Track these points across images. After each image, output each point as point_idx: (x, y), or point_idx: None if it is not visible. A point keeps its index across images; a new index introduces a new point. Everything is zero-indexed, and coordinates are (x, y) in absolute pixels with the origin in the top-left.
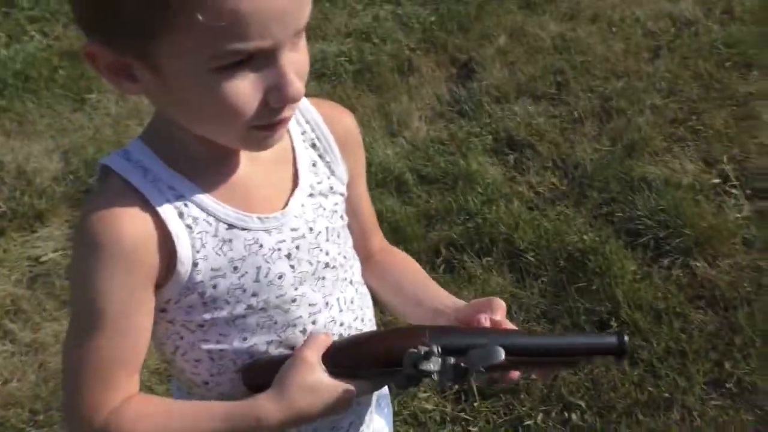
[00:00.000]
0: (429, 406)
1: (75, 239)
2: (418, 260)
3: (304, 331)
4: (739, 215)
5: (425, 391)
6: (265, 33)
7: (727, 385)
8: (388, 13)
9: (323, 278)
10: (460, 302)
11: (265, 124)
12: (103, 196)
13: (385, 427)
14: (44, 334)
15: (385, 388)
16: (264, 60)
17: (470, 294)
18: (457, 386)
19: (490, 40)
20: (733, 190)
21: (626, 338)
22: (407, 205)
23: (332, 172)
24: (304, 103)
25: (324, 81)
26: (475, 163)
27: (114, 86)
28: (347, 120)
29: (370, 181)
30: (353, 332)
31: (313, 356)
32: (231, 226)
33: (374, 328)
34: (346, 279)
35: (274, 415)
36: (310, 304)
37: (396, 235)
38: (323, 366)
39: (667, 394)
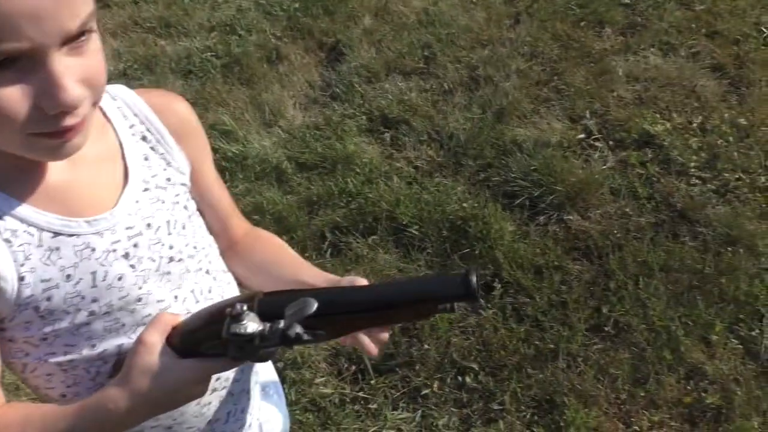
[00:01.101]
0: (327, 390)
1: None
2: (304, 247)
3: None
4: (604, 166)
5: (322, 376)
6: (18, 34)
7: (606, 329)
8: (250, 4)
9: (168, 273)
10: (333, 277)
11: (48, 132)
12: None
13: (277, 413)
14: None
15: (274, 374)
16: (30, 64)
17: (358, 274)
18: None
19: (356, 21)
20: (597, 143)
21: (473, 277)
22: (288, 194)
23: (168, 163)
24: (131, 95)
25: (191, 78)
26: (352, 144)
27: None
28: (179, 107)
29: (249, 174)
30: None
31: (152, 337)
32: (56, 234)
33: None
34: (200, 269)
35: (122, 403)
36: (158, 301)
37: (280, 225)
38: (167, 347)
39: (552, 346)
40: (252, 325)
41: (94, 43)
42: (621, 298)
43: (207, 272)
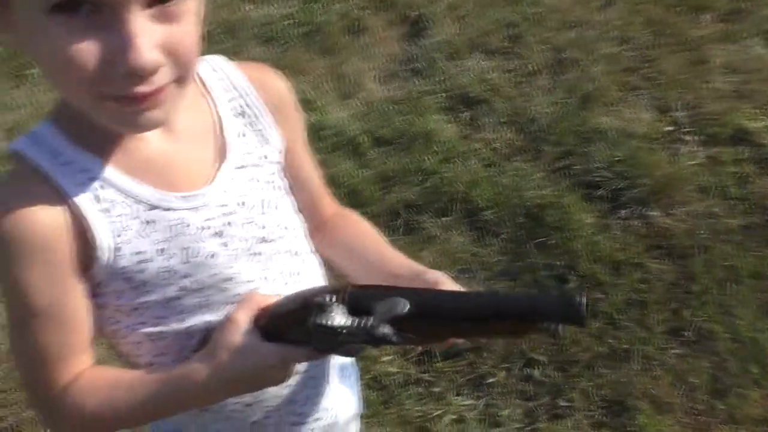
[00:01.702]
0: (392, 369)
1: None
2: (377, 224)
3: None
4: (693, 162)
5: (388, 355)
6: None
7: (686, 334)
8: None
9: (259, 253)
10: (418, 267)
11: (118, 96)
12: (10, 185)
13: (352, 396)
14: None
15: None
16: (110, 18)
17: (430, 255)
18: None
19: None
20: (687, 137)
21: (582, 300)
22: (363, 168)
23: (265, 140)
24: (232, 68)
25: (272, 45)
26: (431, 122)
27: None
28: (277, 83)
29: (326, 145)
30: None
31: (241, 315)
32: (152, 207)
33: None
34: (289, 251)
35: (204, 376)
36: (247, 281)
37: (353, 198)
38: (255, 328)
39: (626, 346)
40: (339, 318)
41: (188, 9)
42: (704, 303)
43: (296, 253)
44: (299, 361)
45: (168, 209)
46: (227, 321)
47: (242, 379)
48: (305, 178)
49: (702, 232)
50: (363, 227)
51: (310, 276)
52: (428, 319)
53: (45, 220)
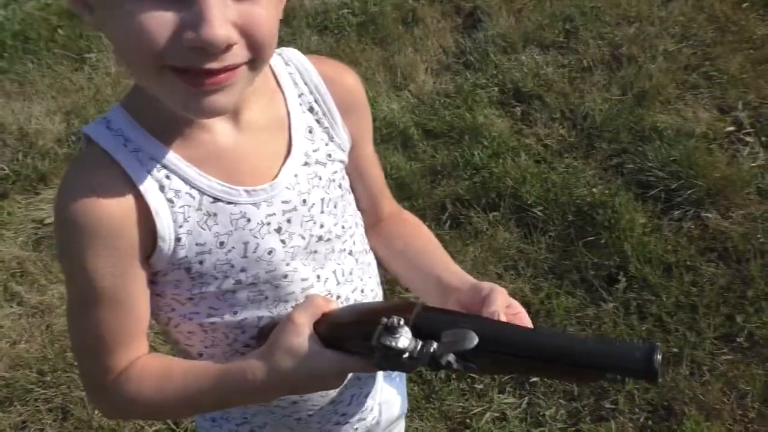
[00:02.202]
0: None
1: (55, 216)
2: (424, 217)
3: None
4: (753, 164)
5: None
6: None
7: (738, 339)
8: None
9: (315, 251)
10: (470, 279)
11: (183, 70)
12: (80, 169)
13: (397, 396)
14: (50, 296)
15: None
16: None
17: (476, 250)
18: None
19: None
20: (748, 138)
21: (658, 355)
22: (413, 160)
23: (330, 138)
24: (305, 62)
25: (326, 34)
26: (482, 116)
27: (80, 17)
28: (350, 80)
29: (375, 137)
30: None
31: (302, 318)
32: (216, 200)
33: (378, 298)
34: (344, 250)
35: (260, 375)
36: (302, 279)
37: (401, 191)
38: (314, 332)
39: (676, 349)
40: (404, 340)
41: None
42: (759, 309)
43: (350, 253)
44: (355, 372)
45: (231, 203)
46: (288, 322)
47: (297, 382)
48: (369, 176)
49: (759, 236)
50: (419, 231)
51: (363, 276)
52: (495, 354)
53: (111, 206)
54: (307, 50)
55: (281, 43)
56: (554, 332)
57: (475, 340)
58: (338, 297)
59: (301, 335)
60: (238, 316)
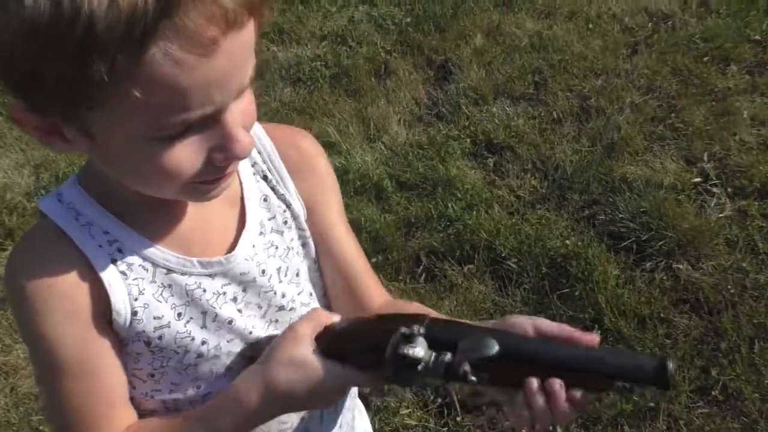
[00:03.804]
0: (411, 422)
1: (6, 290)
2: (398, 270)
3: None
4: (721, 215)
5: (407, 407)
6: (207, 100)
7: (713, 393)
8: (362, 15)
9: (276, 321)
10: None
11: (210, 180)
12: (29, 241)
13: (365, 414)
14: (15, 357)
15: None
16: (209, 121)
17: (451, 304)
18: (444, 393)
19: (467, 40)
20: (715, 189)
21: (670, 364)
22: (387, 212)
23: (288, 205)
24: (257, 130)
25: (300, 86)
26: (454, 167)
27: (44, 146)
28: (302, 142)
29: (348, 189)
30: None
31: (304, 329)
32: (170, 271)
33: None
34: None
35: (255, 395)
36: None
37: (376, 244)
38: (315, 344)
39: (652, 404)
40: (420, 350)
41: (251, 78)
42: (732, 361)
43: None
44: (359, 385)
45: (185, 274)
46: (289, 331)
47: (296, 397)
48: (334, 246)
49: (730, 287)
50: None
51: None
52: (514, 362)
53: (62, 275)
54: (280, 102)
55: (255, 95)
56: (567, 344)
57: (496, 347)
58: None
59: (303, 344)
60: (202, 390)
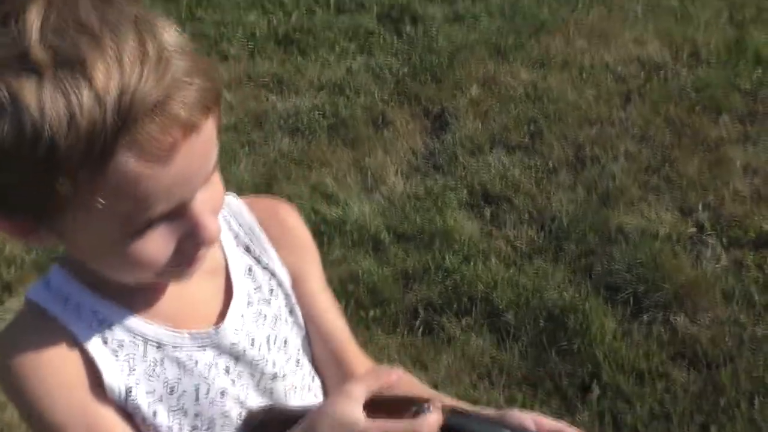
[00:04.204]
0: None
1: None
2: (396, 322)
3: None
4: (717, 266)
5: None
6: (174, 197)
7: None
8: (360, 65)
9: (270, 390)
10: None
11: (181, 264)
12: (16, 325)
13: None
14: (10, 415)
15: None
16: (175, 213)
17: (449, 358)
18: None
19: (463, 90)
20: (710, 240)
21: None
22: (384, 264)
23: (272, 274)
24: (237, 204)
25: (298, 136)
26: (452, 218)
27: (17, 241)
28: (284, 215)
29: (347, 241)
30: None
31: (360, 392)
32: (161, 346)
33: None
34: (303, 387)
35: None
36: None
37: (373, 296)
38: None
39: None
40: None
41: (216, 163)
42: (732, 417)
43: (309, 388)
44: None
45: (177, 347)
46: (343, 392)
47: None
48: (319, 316)
49: (728, 340)
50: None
51: None
52: None
53: (51, 350)
54: (279, 153)
55: (253, 145)
56: None
57: None
58: None
59: (357, 408)
60: None
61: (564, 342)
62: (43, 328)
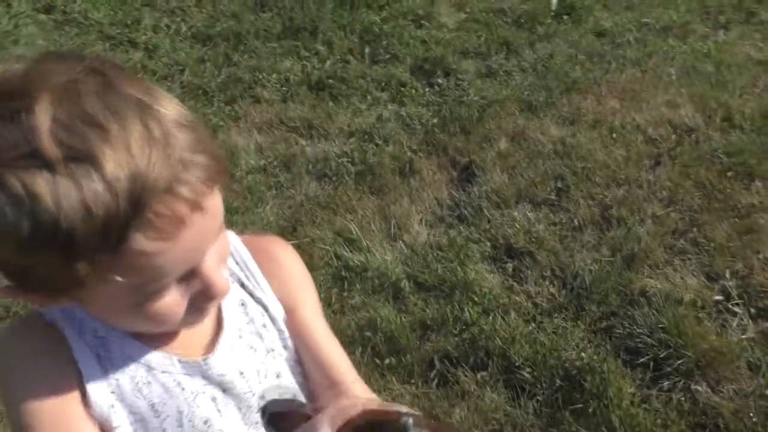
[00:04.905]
0: None
1: None
2: (411, 373)
3: None
4: (743, 336)
5: None
6: (185, 265)
7: None
8: (391, 114)
9: (256, 423)
10: None
11: (192, 314)
12: (19, 325)
13: None
14: None
15: None
16: (188, 274)
17: (462, 411)
18: None
19: (491, 143)
20: (737, 309)
21: None
22: (403, 313)
23: (265, 308)
24: (234, 241)
25: (325, 182)
26: (473, 271)
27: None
28: (279, 252)
29: (367, 287)
30: None
31: (327, 428)
32: (150, 369)
33: None
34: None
35: None
36: None
37: (390, 345)
38: None
39: None
40: None
41: (221, 212)
42: None
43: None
44: None
45: (165, 372)
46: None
47: None
48: (324, 359)
49: (752, 414)
50: None
51: None
52: None
53: (44, 351)
54: (305, 196)
55: (281, 188)
56: None
57: None
58: None
59: None
60: None
61: (579, 403)
62: (41, 330)
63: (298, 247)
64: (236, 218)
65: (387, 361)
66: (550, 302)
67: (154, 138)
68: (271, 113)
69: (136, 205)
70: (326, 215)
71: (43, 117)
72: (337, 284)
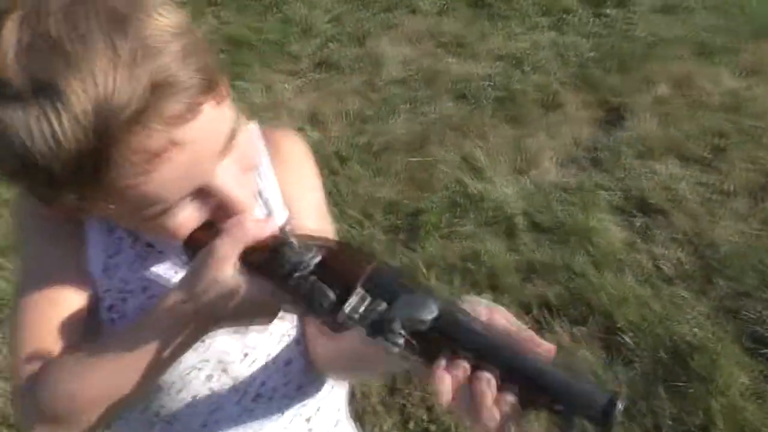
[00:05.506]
0: None
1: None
2: (508, 311)
3: None
4: None
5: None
6: (187, 186)
7: None
8: (547, 41)
9: (251, 410)
10: None
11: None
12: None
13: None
14: None
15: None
16: (200, 192)
17: None
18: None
19: (650, 86)
20: None
21: (620, 404)
22: (511, 251)
23: (270, 212)
24: (255, 134)
25: (462, 104)
26: (595, 219)
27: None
28: (287, 148)
29: (480, 218)
30: None
31: (228, 251)
32: (150, 246)
33: None
34: (299, 416)
35: (183, 303)
36: None
37: (490, 280)
38: (240, 263)
39: None
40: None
41: (237, 122)
42: None
43: (307, 420)
44: (286, 308)
45: (161, 252)
46: (208, 254)
47: (225, 315)
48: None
49: None
50: None
51: None
52: (446, 338)
53: (63, 229)
54: (439, 115)
55: (416, 103)
56: (521, 347)
57: (435, 312)
58: None
59: (227, 269)
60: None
61: (681, 382)
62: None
63: (419, 166)
64: (367, 126)
65: (483, 295)
66: (674, 268)
67: (120, 59)
68: (424, 25)
69: (105, 138)
70: (456, 138)
71: (8, 40)
72: (451, 209)
